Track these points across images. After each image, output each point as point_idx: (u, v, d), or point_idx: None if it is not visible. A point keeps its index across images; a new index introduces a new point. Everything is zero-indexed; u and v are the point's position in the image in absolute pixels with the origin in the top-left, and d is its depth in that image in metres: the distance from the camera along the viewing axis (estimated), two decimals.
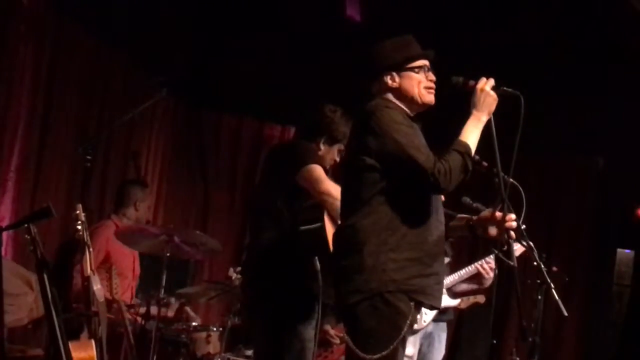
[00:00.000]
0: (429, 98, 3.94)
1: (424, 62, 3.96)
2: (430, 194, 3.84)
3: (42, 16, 6.77)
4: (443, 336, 6.13)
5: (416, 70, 3.93)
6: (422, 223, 3.77)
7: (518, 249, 5.43)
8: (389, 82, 3.92)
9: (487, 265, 5.88)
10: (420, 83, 3.93)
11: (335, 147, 4.76)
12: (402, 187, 3.71)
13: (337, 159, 4.80)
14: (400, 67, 3.93)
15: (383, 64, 3.94)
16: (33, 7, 6.68)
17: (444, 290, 5.80)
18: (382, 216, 3.69)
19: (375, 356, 3.62)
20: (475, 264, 5.94)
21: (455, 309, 6.28)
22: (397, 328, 3.66)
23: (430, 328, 6.00)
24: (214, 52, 8.28)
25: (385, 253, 3.66)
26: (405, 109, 3.91)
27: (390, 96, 3.92)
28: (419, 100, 3.92)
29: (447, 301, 5.87)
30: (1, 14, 6.37)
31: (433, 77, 3.97)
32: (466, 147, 3.76)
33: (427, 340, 6.04)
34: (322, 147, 4.74)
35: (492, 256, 5.86)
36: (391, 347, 3.63)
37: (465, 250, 8.94)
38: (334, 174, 4.82)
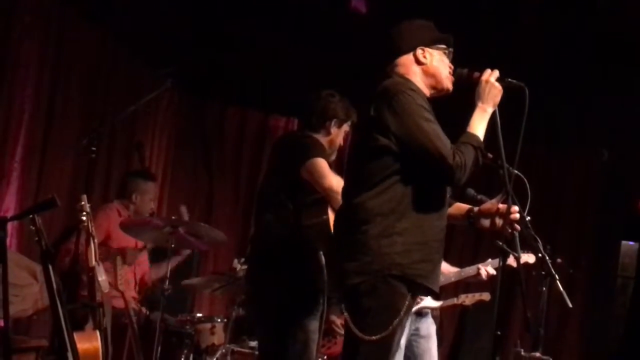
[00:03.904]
0: (450, 85, 3.92)
1: (448, 48, 3.96)
2: (444, 185, 3.84)
3: (47, 8, 6.78)
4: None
5: (445, 51, 3.92)
6: (432, 208, 3.74)
7: (529, 256, 5.46)
8: (421, 56, 3.86)
9: (485, 269, 5.86)
10: (446, 66, 3.91)
11: (343, 128, 4.81)
12: (416, 172, 3.67)
13: (342, 142, 4.85)
14: (432, 43, 3.90)
15: (417, 38, 3.89)
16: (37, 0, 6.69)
17: None
18: (391, 198, 3.65)
19: (373, 337, 3.61)
20: (479, 265, 5.92)
21: (459, 305, 6.28)
22: (395, 310, 3.64)
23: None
24: (218, 44, 8.27)
25: (391, 236, 3.63)
26: (425, 91, 3.86)
27: (414, 72, 3.86)
28: (443, 82, 3.89)
29: (429, 302, 5.82)
30: (5, 6, 6.38)
31: (452, 65, 3.95)
32: (478, 140, 3.74)
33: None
34: (332, 130, 4.78)
35: (491, 261, 5.87)
36: (390, 328, 3.63)
37: (469, 246, 8.95)
38: (342, 158, 4.87)
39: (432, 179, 3.73)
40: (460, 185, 3.74)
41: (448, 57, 3.95)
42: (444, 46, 3.94)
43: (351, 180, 3.86)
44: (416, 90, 3.77)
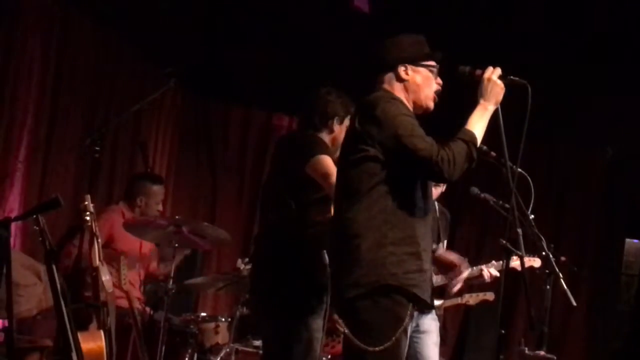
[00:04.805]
0: (431, 104, 3.92)
1: (435, 65, 3.94)
2: (432, 182, 3.84)
3: (50, 8, 6.78)
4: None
5: (431, 69, 3.92)
6: (420, 217, 3.74)
7: (534, 260, 5.46)
8: (402, 73, 3.87)
9: (488, 271, 5.86)
10: (431, 84, 3.91)
11: (344, 124, 4.80)
12: (402, 179, 3.68)
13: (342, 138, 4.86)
14: (416, 61, 3.89)
15: (399, 55, 3.89)
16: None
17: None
18: (381, 209, 3.65)
19: (377, 348, 3.61)
20: (482, 266, 5.91)
21: (462, 304, 6.28)
22: (398, 319, 3.64)
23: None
24: (221, 43, 8.28)
25: (385, 247, 3.63)
26: (409, 105, 3.86)
27: (397, 88, 3.87)
28: (423, 100, 3.89)
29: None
30: (9, 6, 6.39)
31: (441, 82, 3.95)
32: (471, 135, 3.73)
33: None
34: (335, 128, 4.76)
35: (495, 263, 5.86)
36: (394, 338, 3.62)
37: (472, 246, 8.96)
38: None
39: (419, 184, 3.73)
40: (452, 181, 3.73)
41: (435, 74, 3.94)
42: (432, 63, 3.92)
43: (341, 193, 3.84)
44: (397, 99, 3.80)
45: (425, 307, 3.86)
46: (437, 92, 3.94)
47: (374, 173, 3.68)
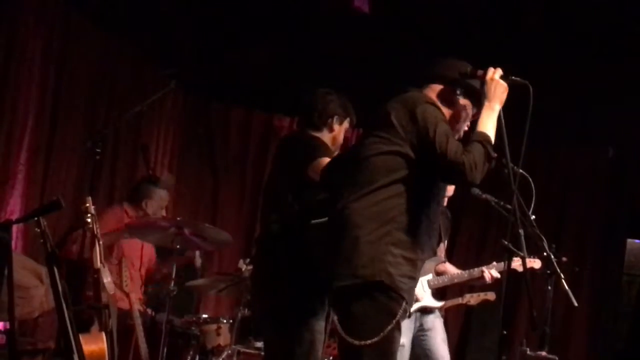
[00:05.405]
0: (456, 137, 3.89)
1: (476, 115, 3.91)
2: (459, 186, 3.83)
3: (51, 10, 6.78)
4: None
5: (474, 114, 3.92)
6: (427, 228, 3.74)
7: (534, 262, 5.47)
8: (456, 96, 3.88)
9: (489, 272, 5.86)
10: (465, 123, 3.93)
11: (344, 125, 4.82)
12: (423, 184, 3.69)
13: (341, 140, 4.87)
14: (470, 97, 3.89)
15: (464, 81, 3.89)
16: (41, 1, 6.69)
17: (429, 291, 5.81)
18: (392, 206, 3.64)
19: (367, 342, 3.58)
20: (483, 267, 5.91)
21: (464, 304, 6.28)
22: (391, 314, 3.62)
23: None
24: (222, 44, 8.28)
25: (386, 244, 3.61)
26: None
27: (442, 102, 3.85)
28: (453, 128, 3.86)
29: (430, 302, 5.82)
30: (10, 7, 6.39)
31: (469, 127, 3.95)
32: (484, 135, 3.72)
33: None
34: (335, 127, 4.79)
35: (496, 264, 5.87)
36: (382, 334, 3.58)
37: (473, 246, 8.96)
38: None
39: (438, 194, 3.73)
40: (477, 184, 3.72)
41: (470, 119, 3.94)
42: (476, 109, 3.91)
43: (349, 181, 3.80)
44: (436, 105, 3.78)
45: (404, 316, 3.83)
46: (464, 133, 3.95)
47: (396, 169, 3.67)
